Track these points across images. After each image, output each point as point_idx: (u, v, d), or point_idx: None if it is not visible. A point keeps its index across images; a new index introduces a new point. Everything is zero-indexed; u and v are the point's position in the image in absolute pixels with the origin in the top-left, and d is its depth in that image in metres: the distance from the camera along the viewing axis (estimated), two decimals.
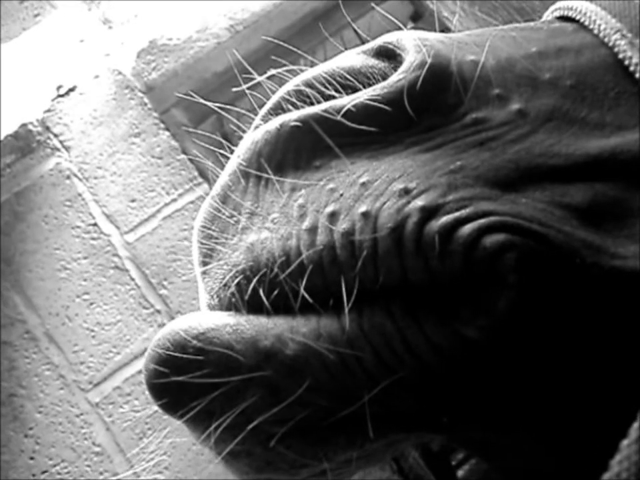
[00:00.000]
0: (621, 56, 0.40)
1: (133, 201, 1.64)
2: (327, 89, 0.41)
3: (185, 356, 0.36)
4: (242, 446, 0.37)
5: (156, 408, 0.39)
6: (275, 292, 0.37)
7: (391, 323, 0.35)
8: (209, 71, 1.74)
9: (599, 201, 0.36)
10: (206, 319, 0.38)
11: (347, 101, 0.39)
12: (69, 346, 1.56)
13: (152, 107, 1.70)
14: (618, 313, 0.34)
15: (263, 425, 0.36)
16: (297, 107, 0.42)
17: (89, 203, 1.66)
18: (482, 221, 0.34)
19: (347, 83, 0.41)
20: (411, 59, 0.39)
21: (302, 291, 0.35)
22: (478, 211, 0.35)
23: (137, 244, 1.61)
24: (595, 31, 0.42)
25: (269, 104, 0.44)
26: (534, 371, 0.34)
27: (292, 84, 0.43)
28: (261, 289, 0.37)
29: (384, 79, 0.41)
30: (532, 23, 0.47)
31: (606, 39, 0.41)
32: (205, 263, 0.42)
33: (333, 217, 0.36)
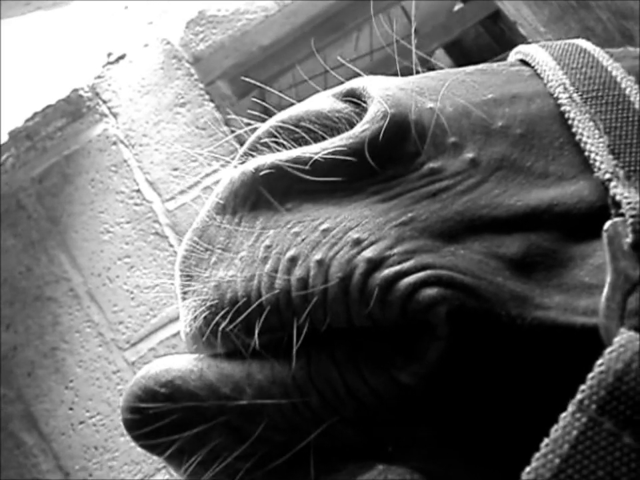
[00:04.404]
0: (562, 109, 0.42)
1: (175, 169, 1.68)
2: (297, 133, 0.45)
3: (155, 405, 0.42)
4: (214, 478, 0.42)
5: None
6: (235, 331, 0.41)
7: (335, 368, 0.39)
8: (256, 44, 1.75)
9: (533, 251, 0.38)
10: (173, 365, 0.43)
11: (315, 150, 0.42)
12: (109, 306, 1.62)
13: (198, 78, 1.73)
14: (538, 365, 0.36)
15: (230, 461, 0.41)
16: (271, 149, 0.45)
17: (134, 169, 1.71)
18: (419, 275, 0.37)
19: (315, 127, 0.44)
20: (374, 109, 0.42)
21: (256, 339, 0.39)
22: (417, 264, 0.38)
23: (177, 212, 1.65)
24: (544, 81, 0.44)
25: (246, 145, 0.47)
26: (464, 410, 0.38)
27: (266, 126, 0.46)
28: (221, 327, 0.41)
29: (349, 123, 0.44)
30: (495, 64, 0.49)
31: (551, 90, 0.43)
32: (184, 293, 0.46)
33: (292, 261, 0.40)
